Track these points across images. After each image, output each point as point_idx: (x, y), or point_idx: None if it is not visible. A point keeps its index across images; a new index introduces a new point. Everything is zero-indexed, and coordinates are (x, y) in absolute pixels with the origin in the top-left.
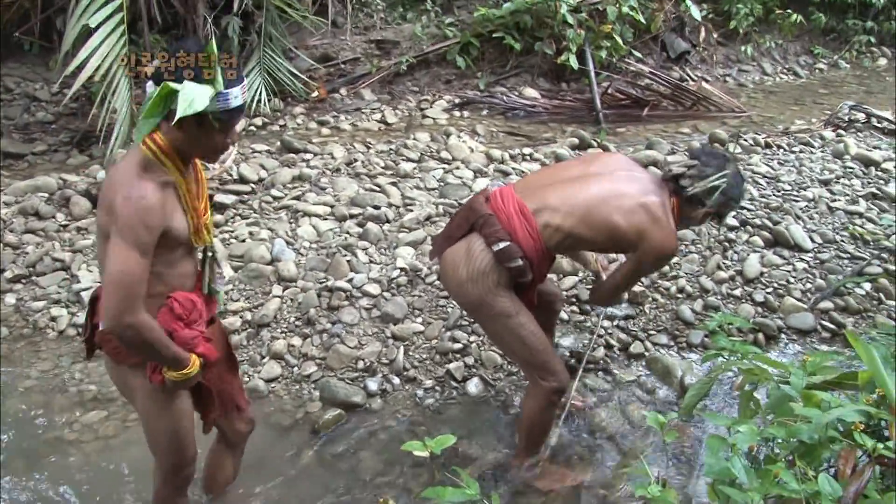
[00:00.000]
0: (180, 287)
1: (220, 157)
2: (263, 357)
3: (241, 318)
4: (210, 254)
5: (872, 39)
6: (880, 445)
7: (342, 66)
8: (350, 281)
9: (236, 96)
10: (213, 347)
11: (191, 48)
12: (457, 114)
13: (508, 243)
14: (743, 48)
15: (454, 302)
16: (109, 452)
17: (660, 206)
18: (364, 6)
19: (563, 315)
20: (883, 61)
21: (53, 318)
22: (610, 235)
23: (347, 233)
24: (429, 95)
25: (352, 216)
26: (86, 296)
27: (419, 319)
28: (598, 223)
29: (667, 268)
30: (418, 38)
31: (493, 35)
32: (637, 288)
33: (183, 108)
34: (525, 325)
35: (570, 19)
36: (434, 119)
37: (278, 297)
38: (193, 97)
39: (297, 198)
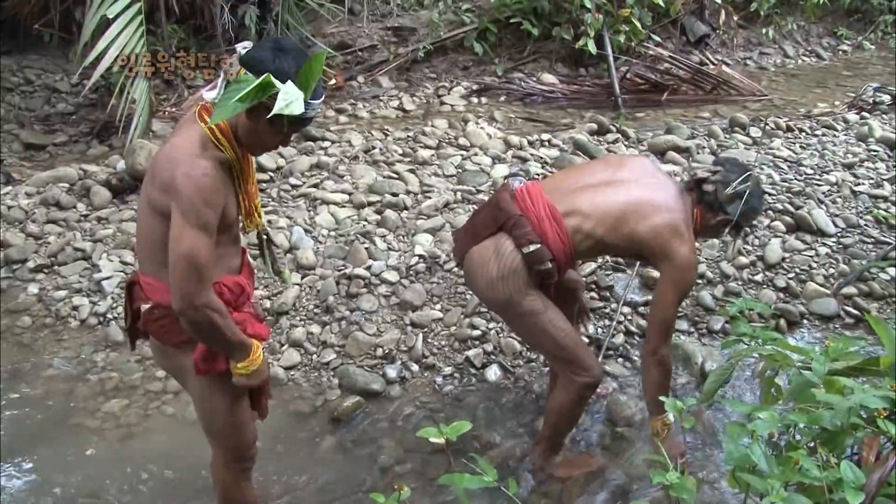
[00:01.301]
0: (227, 270)
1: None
2: (283, 345)
3: (260, 306)
4: (265, 236)
5: None
6: (892, 430)
7: (359, 53)
8: (368, 268)
9: (315, 108)
10: (264, 326)
11: (290, 65)
12: (475, 100)
13: (539, 246)
14: (764, 31)
15: (480, 300)
16: (131, 440)
17: (683, 222)
18: None
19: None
20: None
21: (75, 308)
22: (635, 246)
23: (366, 220)
24: (446, 82)
25: (370, 203)
26: (107, 285)
27: (438, 306)
28: (626, 234)
29: None
30: (435, 24)
31: (511, 20)
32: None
33: (280, 107)
34: (554, 322)
35: (588, 3)
36: (452, 106)
37: (297, 284)
38: (292, 99)
39: (316, 186)
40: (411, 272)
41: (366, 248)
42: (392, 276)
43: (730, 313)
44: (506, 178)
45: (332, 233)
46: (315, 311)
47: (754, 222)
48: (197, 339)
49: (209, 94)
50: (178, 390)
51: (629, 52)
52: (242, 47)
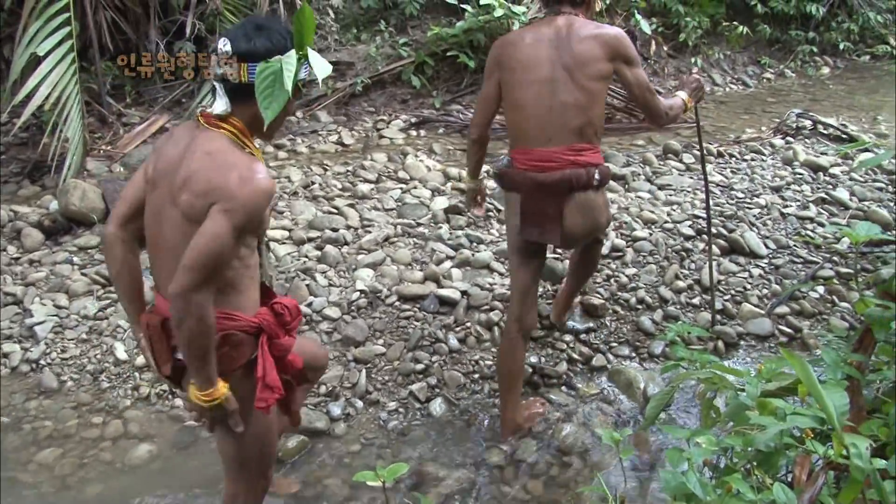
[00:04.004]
0: (252, 279)
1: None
2: None
3: None
4: (265, 240)
5: (815, 49)
6: (831, 451)
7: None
8: (310, 305)
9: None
10: (299, 358)
11: (286, 33)
12: (413, 133)
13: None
14: (693, 60)
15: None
16: (66, 492)
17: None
18: (318, 28)
19: None
20: (826, 70)
21: (6, 355)
22: (607, 64)
23: (306, 256)
24: (385, 116)
25: (310, 239)
26: (40, 330)
27: (380, 341)
28: (595, 75)
29: (626, 280)
30: (373, 58)
31: (448, 54)
32: (597, 301)
33: (321, 72)
34: None
35: None
36: (391, 139)
37: None
38: (321, 61)
39: None
40: (353, 308)
41: (307, 285)
42: (334, 312)
43: (668, 338)
44: (499, 167)
45: (273, 270)
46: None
47: None
48: (177, 337)
49: (219, 105)
50: (117, 436)
51: None
52: (223, 44)
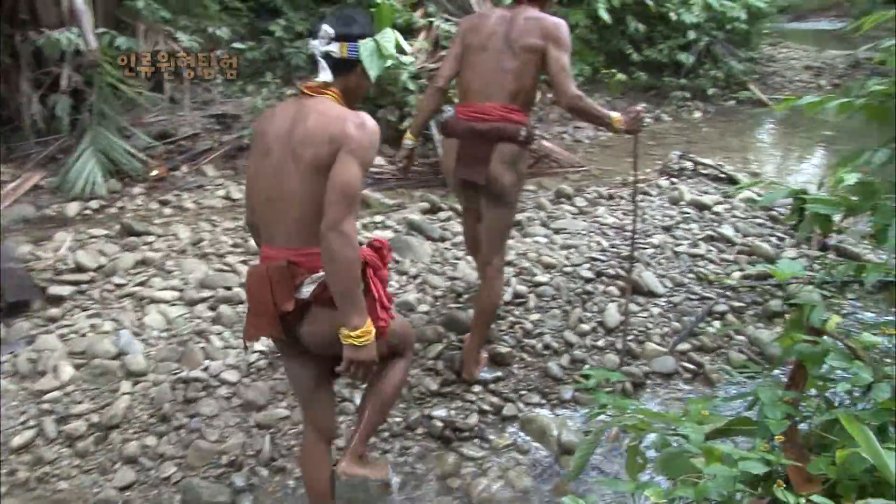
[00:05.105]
0: (356, 218)
1: None
2: (115, 463)
3: (86, 421)
4: None
5: (687, 95)
6: (792, 500)
7: (182, 142)
8: (206, 369)
9: None
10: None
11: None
12: None
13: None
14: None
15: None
16: None
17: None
18: (202, 80)
19: (433, 385)
20: (698, 114)
21: None
22: (539, 43)
23: (199, 317)
24: None
25: (203, 299)
26: None
27: (284, 403)
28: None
29: (531, 326)
30: (260, 110)
31: None
32: (503, 349)
33: (392, 48)
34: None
35: (410, 85)
36: None
37: (128, 394)
38: (394, 41)
39: (142, 284)
40: (252, 369)
41: (202, 348)
42: (232, 375)
43: (588, 386)
44: (443, 118)
45: (164, 334)
46: (150, 421)
47: None
48: (329, 273)
49: (324, 76)
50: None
51: None
52: (327, 29)
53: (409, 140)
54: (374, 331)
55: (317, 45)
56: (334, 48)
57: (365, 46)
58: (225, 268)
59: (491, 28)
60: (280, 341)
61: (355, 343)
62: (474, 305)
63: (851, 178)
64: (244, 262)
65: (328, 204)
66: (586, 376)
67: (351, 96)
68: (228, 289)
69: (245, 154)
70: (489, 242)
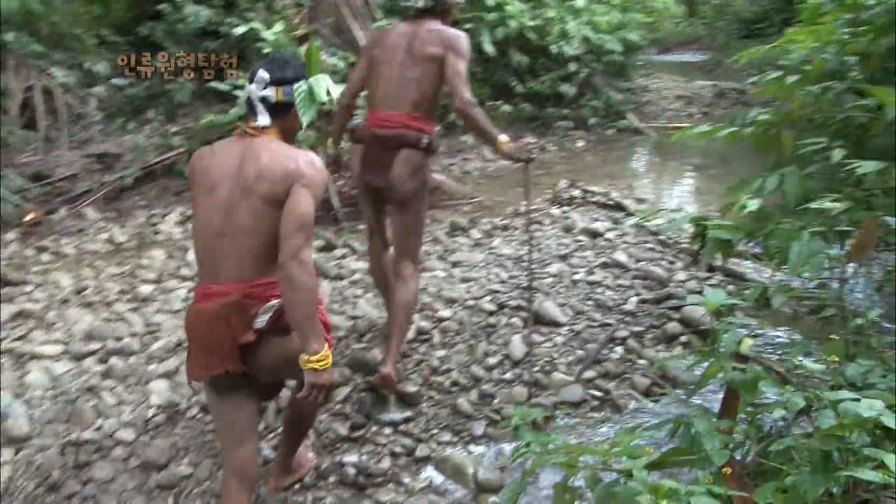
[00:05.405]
0: None
1: None
2: None
3: None
4: None
5: (570, 124)
6: None
7: (59, 183)
8: (99, 429)
9: None
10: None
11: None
12: (191, 226)
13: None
14: (463, 138)
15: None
16: None
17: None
18: (79, 118)
19: (342, 430)
20: (581, 143)
21: None
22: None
23: (88, 373)
24: (159, 209)
25: (91, 353)
26: None
27: (186, 460)
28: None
29: (437, 363)
30: (142, 149)
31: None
32: (411, 388)
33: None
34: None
35: (304, 120)
36: (168, 234)
37: (9, 462)
38: (329, 84)
39: (21, 339)
40: (150, 426)
41: (92, 406)
42: (128, 433)
43: (512, 425)
44: (352, 125)
45: (49, 393)
46: (37, 492)
47: None
48: (288, 301)
49: (262, 119)
50: None
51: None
52: (263, 74)
53: (330, 150)
54: (330, 354)
55: (253, 90)
56: (270, 93)
57: (298, 91)
58: (113, 317)
59: (395, 41)
60: (219, 380)
61: (316, 367)
62: (389, 308)
63: (753, 205)
64: (134, 309)
65: (286, 235)
66: (508, 416)
67: (289, 136)
68: (119, 339)
69: (127, 195)
70: (399, 245)
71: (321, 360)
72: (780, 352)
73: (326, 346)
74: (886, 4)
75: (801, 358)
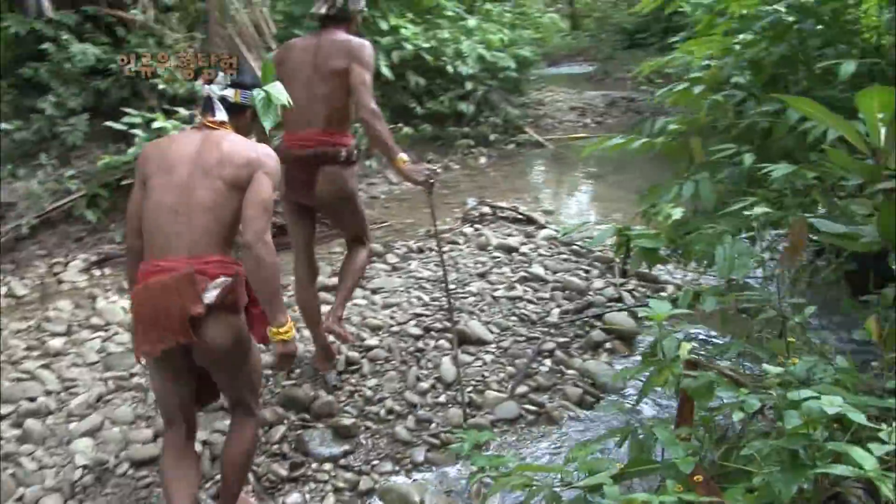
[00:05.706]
0: None
1: None
2: None
3: None
4: None
5: (471, 142)
6: None
7: None
8: (20, 499)
9: None
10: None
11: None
12: (97, 273)
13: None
14: (367, 163)
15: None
16: None
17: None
18: None
19: (282, 471)
20: (483, 159)
21: None
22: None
23: (2, 439)
24: (61, 258)
25: (3, 417)
26: None
27: None
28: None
29: (370, 392)
30: (37, 195)
31: (123, 182)
32: (347, 421)
33: (283, 98)
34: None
35: None
36: (73, 283)
37: None
38: (282, 92)
39: None
40: (77, 489)
41: (11, 475)
42: (54, 501)
43: (466, 452)
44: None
45: None
46: None
47: None
48: (256, 280)
49: (220, 115)
50: None
51: None
52: (223, 77)
53: None
54: (293, 326)
55: (214, 89)
56: (229, 93)
57: (257, 96)
58: (24, 376)
59: (299, 58)
60: (166, 355)
61: (284, 338)
62: (340, 274)
63: (677, 213)
64: (45, 366)
65: (252, 218)
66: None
67: (241, 133)
68: (32, 400)
69: (23, 245)
70: (348, 233)
71: (288, 332)
72: (716, 354)
73: (289, 318)
74: (775, 16)
75: (741, 361)
